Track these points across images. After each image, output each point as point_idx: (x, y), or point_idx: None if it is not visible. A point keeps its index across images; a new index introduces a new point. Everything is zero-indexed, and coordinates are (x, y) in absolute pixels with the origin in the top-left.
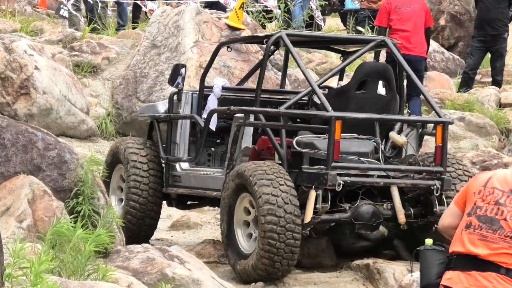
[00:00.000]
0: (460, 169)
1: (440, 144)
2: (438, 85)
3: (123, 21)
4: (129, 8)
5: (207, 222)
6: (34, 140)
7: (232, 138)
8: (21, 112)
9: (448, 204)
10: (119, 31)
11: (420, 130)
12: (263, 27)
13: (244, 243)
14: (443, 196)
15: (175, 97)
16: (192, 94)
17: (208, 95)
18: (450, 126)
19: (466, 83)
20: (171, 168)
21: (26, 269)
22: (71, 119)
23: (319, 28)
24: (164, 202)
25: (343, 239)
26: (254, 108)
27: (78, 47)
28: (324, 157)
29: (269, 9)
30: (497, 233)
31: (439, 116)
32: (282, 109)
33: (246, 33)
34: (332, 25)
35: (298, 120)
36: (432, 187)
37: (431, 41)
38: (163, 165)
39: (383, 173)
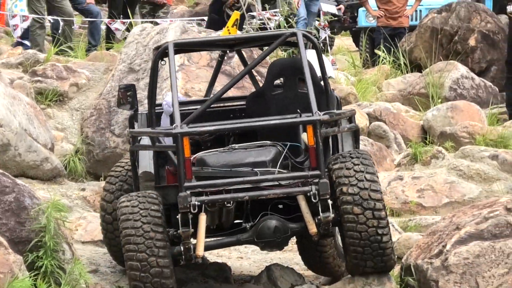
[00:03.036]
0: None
1: (313, 145)
2: (467, 116)
3: (95, 41)
4: (102, 27)
5: None
6: None
7: (131, 163)
8: None
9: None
10: (90, 53)
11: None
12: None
13: None
14: (329, 201)
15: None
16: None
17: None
18: (481, 166)
19: None
20: None
21: None
22: (32, 156)
23: (327, 50)
24: None
25: None
26: (139, 130)
27: (41, 71)
28: (212, 174)
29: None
30: None
31: (312, 114)
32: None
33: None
34: (342, 46)
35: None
36: (308, 194)
37: (460, 65)
38: None
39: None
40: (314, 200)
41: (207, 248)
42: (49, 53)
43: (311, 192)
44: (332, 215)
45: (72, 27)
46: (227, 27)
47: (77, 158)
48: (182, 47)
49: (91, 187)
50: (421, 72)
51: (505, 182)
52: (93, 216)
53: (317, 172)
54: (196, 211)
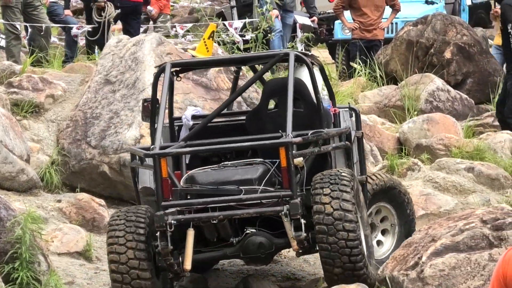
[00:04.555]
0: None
1: (285, 166)
2: (443, 129)
3: (72, 52)
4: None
5: None
6: None
7: (132, 179)
8: None
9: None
10: (66, 64)
11: (334, 145)
12: None
13: None
14: (302, 221)
15: None
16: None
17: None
18: (456, 178)
19: None
20: None
21: None
22: (8, 168)
23: None
24: None
25: None
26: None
27: (17, 83)
28: (200, 191)
29: (244, 38)
30: None
31: (285, 136)
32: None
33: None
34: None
35: None
36: (280, 214)
37: (436, 78)
38: None
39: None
40: (285, 220)
41: (195, 262)
42: (25, 65)
43: (283, 212)
44: (304, 234)
45: (49, 38)
46: (203, 39)
47: (53, 169)
48: (181, 67)
49: (67, 198)
50: (397, 84)
51: (480, 194)
52: (69, 227)
53: (289, 192)
54: (172, 229)
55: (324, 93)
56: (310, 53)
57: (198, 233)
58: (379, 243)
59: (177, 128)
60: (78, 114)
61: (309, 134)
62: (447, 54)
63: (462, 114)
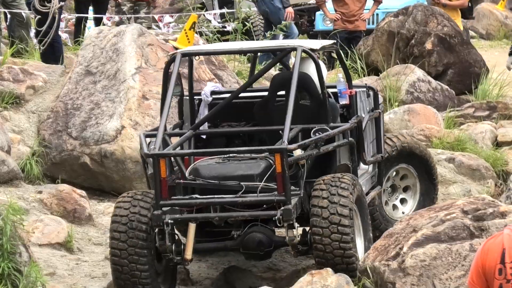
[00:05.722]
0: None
1: (280, 172)
2: (423, 119)
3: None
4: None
5: None
6: None
7: (142, 165)
8: None
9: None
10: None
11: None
12: None
13: None
14: (296, 225)
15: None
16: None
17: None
18: (438, 169)
19: None
20: None
21: None
22: None
23: None
24: None
25: None
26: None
27: None
28: (202, 185)
29: (225, 29)
30: None
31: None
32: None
33: (198, 58)
34: None
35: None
36: (274, 218)
37: (416, 69)
38: None
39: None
40: (279, 224)
41: (196, 251)
42: (5, 56)
43: (276, 217)
44: (297, 239)
45: (29, 29)
46: (185, 30)
47: (34, 160)
48: (191, 56)
49: (48, 189)
50: (378, 75)
51: (461, 184)
52: (50, 219)
53: (283, 198)
54: (169, 228)
55: (340, 75)
56: (321, 45)
57: (200, 225)
58: (402, 201)
59: (197, 101)
60: (59, 105)
61: (305, 141)
62: (428, 45)
63: (443, 105)
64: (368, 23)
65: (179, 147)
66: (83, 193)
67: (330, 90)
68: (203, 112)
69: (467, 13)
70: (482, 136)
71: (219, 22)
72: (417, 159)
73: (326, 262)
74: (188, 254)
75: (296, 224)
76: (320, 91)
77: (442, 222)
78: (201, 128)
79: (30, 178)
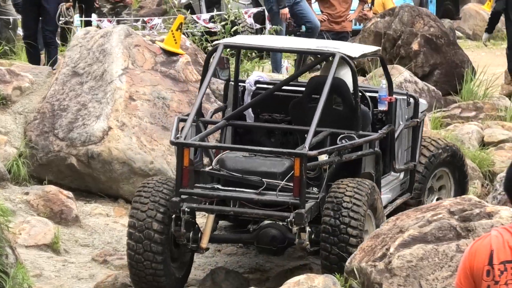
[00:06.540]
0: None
1: (298, 176)
2: None
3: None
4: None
5: None
6: None
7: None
8: None
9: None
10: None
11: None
12: (206, 51)
13: None
14: (307, 228)
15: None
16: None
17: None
18: None
19: None
20: None
21: None
22: None
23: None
24: None
25: None
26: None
27: None
28: (225, 177)
29: (212, 30)
30: None
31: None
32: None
33: (185, 58)
34: None
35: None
36: (286, 220)
37: (403, 70)
38: None
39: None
40: (290, 227)
41: (212, 240)
42: None
43: (288, 219)
44: (307, 243)
45: (16, 31)
46: (172, 31)
47: (21, 161)
48: (233, 48)
49: (34, 191)
50: (365, 76)
51: None
52: (37, 220)
53: (297, 201)
54: (186, 216)
55: (383, 81)
56: (362, 53)
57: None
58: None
59: (241, 88)
60: (45, 106)
61: (328, 148)
62: (415, 46)
63: (429, 106)
64: (354, 24)
65: (207, 137)
66: (70, 194)
67: (370, 95)
68: (247, 100)
69: (454, 13)
70: (468, 136)
71: (206, 23)
72: (456, 162)
73: (330, 265)
74: (204, 243)
75: (308, 229)
76: (353, 98)
77: (428, 222)
78: (246, 114)
79: (17, 179)
